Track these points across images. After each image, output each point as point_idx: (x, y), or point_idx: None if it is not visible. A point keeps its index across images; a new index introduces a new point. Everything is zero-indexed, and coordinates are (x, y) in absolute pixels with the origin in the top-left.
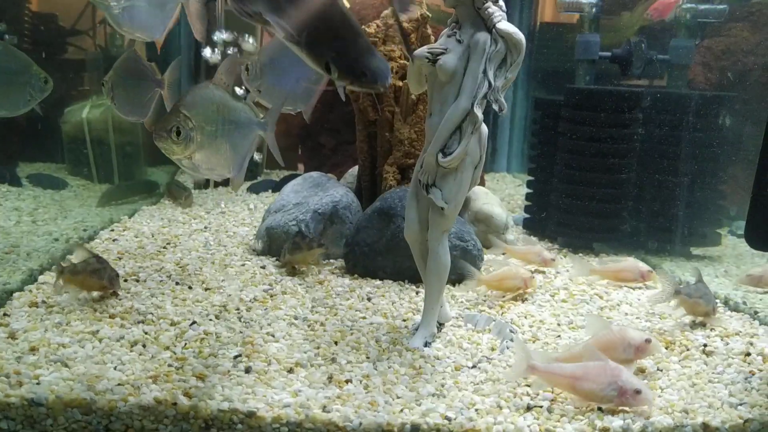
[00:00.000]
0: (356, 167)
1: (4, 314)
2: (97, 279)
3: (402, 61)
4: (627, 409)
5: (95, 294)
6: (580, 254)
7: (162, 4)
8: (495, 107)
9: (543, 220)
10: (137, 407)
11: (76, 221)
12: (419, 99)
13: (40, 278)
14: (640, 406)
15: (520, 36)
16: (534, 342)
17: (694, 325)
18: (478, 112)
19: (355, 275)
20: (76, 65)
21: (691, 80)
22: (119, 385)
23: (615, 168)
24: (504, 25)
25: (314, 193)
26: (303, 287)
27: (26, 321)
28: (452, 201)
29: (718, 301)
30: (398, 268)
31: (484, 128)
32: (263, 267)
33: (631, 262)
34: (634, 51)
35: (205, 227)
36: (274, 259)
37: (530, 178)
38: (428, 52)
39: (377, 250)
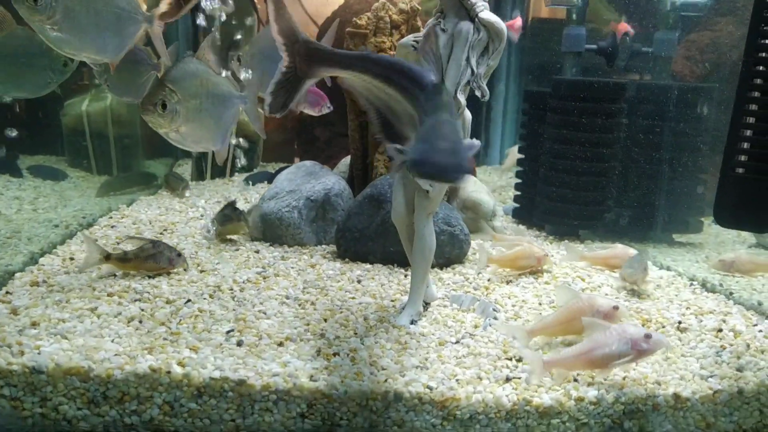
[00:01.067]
0: (349, 157)
1: (7, 293)
2: (153, 263)
3: (393, 52)
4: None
5: (93, 274)
6: (566, 240)
7: (117, 29)
8: (477, 93)
9: (531, 208)
10: (133, 375)
11: (75, 210)
12: None
13: (41, 260)
14: (658, 348)
15: (502, 25)
16: (516, 319)
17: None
18: (461, 98)
19: (346, 259)
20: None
21: (676, 73)
22: (116, 355)
23: (600, 157)
24: (486, 14)
25: (307, 180)
26: (295, 270)
27: (27, 299)
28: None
29: (695, 282)
30: (388, 253)
31: (467, 113)
32: (257, 251)
33: (620, 249)
34: (620, 43)
35: (201, 215)
36: (269, 244)
37: (519, 168)
38: (413, 41)
39: (367, 235)
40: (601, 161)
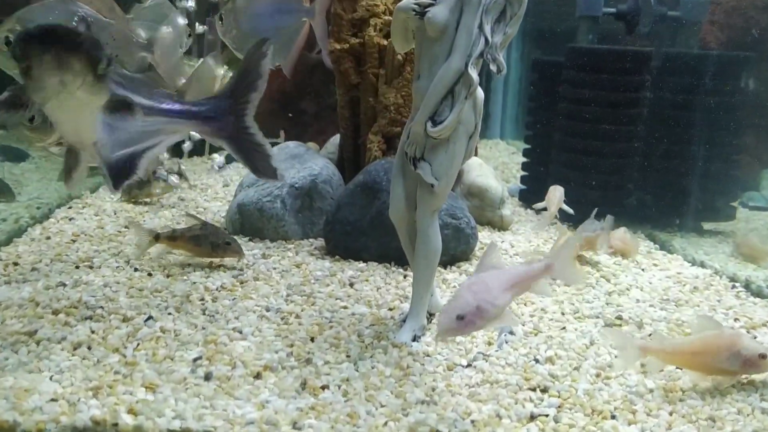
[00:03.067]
0: (337, 136)
1: None
2: (194, 245)
3: (387, 17)
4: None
5: (40, 284)
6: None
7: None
8: (493, 68)
9: (540, 191)
10: (70, 429)
11: (30, 198)
12: (407, 59)
13: None
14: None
15: None
16: (536, 335)
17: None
18: (473, 74)
19: (336, 257)
20: None
21: (702, 41)
22: (52, 400)
23: (620, 136)
24: None
25: (291, 165)
26: (278, 272)
27: None
28: (443, 177)
29: (738, 283)
30: (384, 249)
31: (480, 92)
32: None
33: (621, 232)
34: (642, 7)
35: (173, 203)
36: (248, 238)
37: (527, 146)
38: (415, 4)
39: (360, 229)
40: (622, 141)
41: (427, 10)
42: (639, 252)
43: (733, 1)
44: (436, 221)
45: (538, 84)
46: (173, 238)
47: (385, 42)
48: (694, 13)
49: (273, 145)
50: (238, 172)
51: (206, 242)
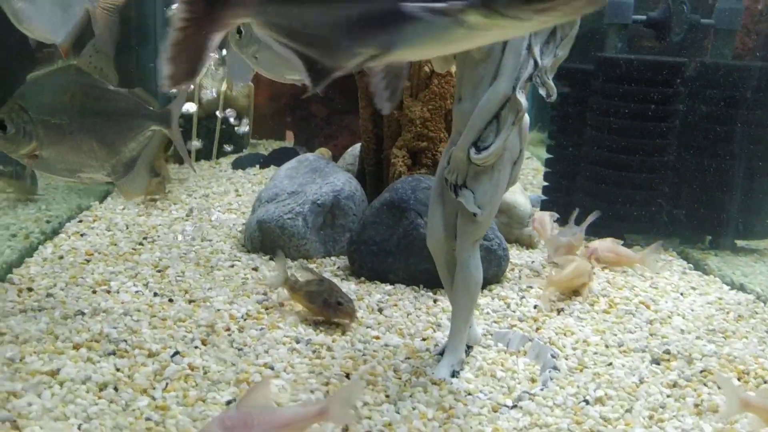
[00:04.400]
0: (356, 146)
1: None
2: (308, 302)
3: None
4: None
5: (57, 313)
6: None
7: (65, 6)
8: (542, 92)
9: (564, 203)
10: None
11: (38, 210)
12: (433, 72)
13: None
14: None
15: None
16: (581, 370)
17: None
18: (522, 98)
19: (362, 278)
20: None
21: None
22: None
23: (651, 149)
24: None
25: (311, 179)
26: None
27: None
28: (487, 205)
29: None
30: (412, 271)
31: (527, 119)
32: (255, 269)
33: (575, 266)
34: (674, 14)
35: (187, 215)
36: (268, 257)
37: (549, 156)
38: None
39: (387, 250)
40: (653, 154)
41: None
42: (591, 277)
43: (762, 4)
44: (478, 252)
45: (564, 93)
46: (294, 288)
47: None
48: (728, 21)
49: (284, 150)
50: (249, 179)
51: (319, 299)
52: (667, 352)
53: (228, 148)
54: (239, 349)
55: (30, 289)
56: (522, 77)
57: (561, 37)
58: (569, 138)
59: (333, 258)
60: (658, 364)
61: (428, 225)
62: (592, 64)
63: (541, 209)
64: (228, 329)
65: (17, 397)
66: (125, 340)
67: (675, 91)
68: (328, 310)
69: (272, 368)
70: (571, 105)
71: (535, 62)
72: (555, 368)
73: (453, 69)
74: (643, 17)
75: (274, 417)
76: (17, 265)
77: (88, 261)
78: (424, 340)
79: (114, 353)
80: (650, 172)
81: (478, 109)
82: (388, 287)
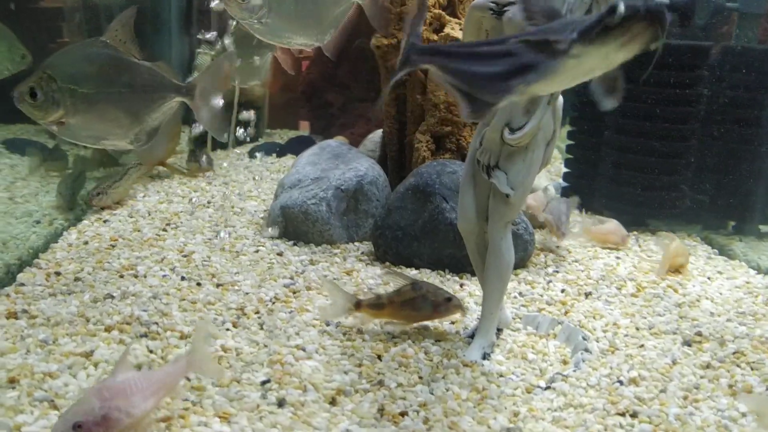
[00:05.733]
0: (377, 132)
1: None
2: (411, 310)
3: (437, 11)
4: None
5: (86, 297)
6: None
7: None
8: None
9: (586, 189)
10: None
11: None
12: None
13: (20, 276)
14: None
15: None
16: (613, 352)
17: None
18: None
19: (387, 263)
20: (54, 14)
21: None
22: None
23: (675, 134)
24: None
25: (334, 165)
26: (329, 279)
27: (3, 339)
28: (520, 186)
29: None
30: (437, 256)
31: (561, 99)
32: (280, 254)
33: (614, 225)
34: None
35: (209, 201)
36: (292, 243)
37: (570, 142)
38: (492, 2)
39: (412, 235)
40: (676, 139)
41: (505, 9)
42: (689, 258)
43: None
44: (509, 233)
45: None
46: (379, 305)
47: (436, 37)
48: (753, 4)
49: (300, 138)
50: (267, 167)
51: (425, 303)
52: (699, 334)
53: (246, 133)
54: (270, 331)
55: (58, 273)
56: None
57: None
58: (590, 124)
59: (356, 244)
60: (690, 345)
61: (459, 207)
62: None
63: (562, 196)
64: (257, 312)
65: (53, 377)
66: (156, 323)
67: (699, 76)
68: (438, 311)
69: (304, 350)
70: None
71: None
72: (587, 350)
73: None
74: (666, 0)
75: (149, 381)
76: (43, 250)
77: (113, 246)
78: (452, 323)
79: (146, 335)
80: (673, 157)
81: None
82: (414, 272)
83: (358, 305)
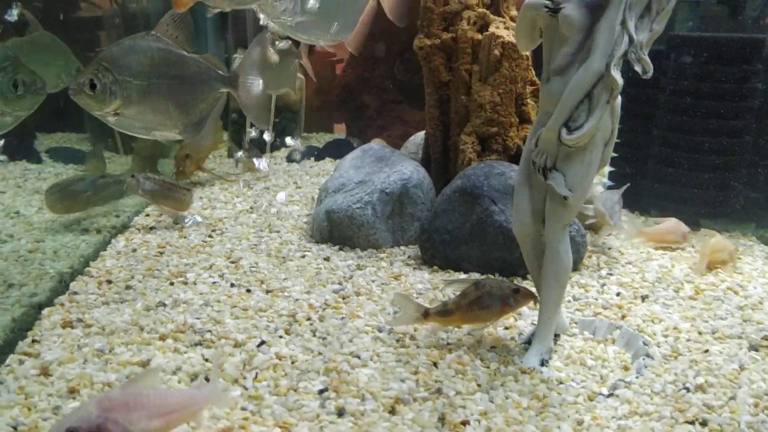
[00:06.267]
0: (418, 134)
1: (33, 340)
2: (480, 310)
3: (481, 10)
4: None
5: (138, 305)
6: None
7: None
8: (638, 68)
9: (632, 189)
10: None
11: (105, 206)
12: (503, 55)
13: (73, 285)
14: None
15: None
16: (676, 358)
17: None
18: (617, 76)
19: (434, 267)
20: (92, 24)
21: None
22: None
23: (728, 130)
24: None
25: (378, 168)
26: (377, 285)
27: (60, 349)
28: (578, 188)
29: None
30: (486, 259)
31: (619, 99)
32: (327, 259)
33: (673, 223)
34: None
35: (251, 207)
36: (338, 247)
37: (616, 140)
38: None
39: (460, 238)
40: (729, 136)
41: (560, 6)
42: (734, 254)
43: None
44: (567, 236)
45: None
46: (447, 312)
47: (480, 36)
48: None
49: (337, 142)
50: (306, 171)
51: (494, 300)
52: (766, 338)
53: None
54: (323, 338)
55: (109, 282)
56: (616, 54)
57: (657, 10)
58: (638, 121)
59: (402, 247)
60: (757, 350)
61: (514, 210)
62: (663, 43)
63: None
64: (309, 319)
65: (111, 386)
66: (210, 331)
67: (753, 70)
68: (508, 304)
69: (359, 357)
70: (640, 86)
71: (630, 38)
72: (648, 356)
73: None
74: None
75: (161, 401)
76: (93, 258)
77: (161, 253)
78: (506, 328)
79: (200, 344)
80: (726, 154)
81: (569, 87)
82: (462, 276)
83: (426, 315)
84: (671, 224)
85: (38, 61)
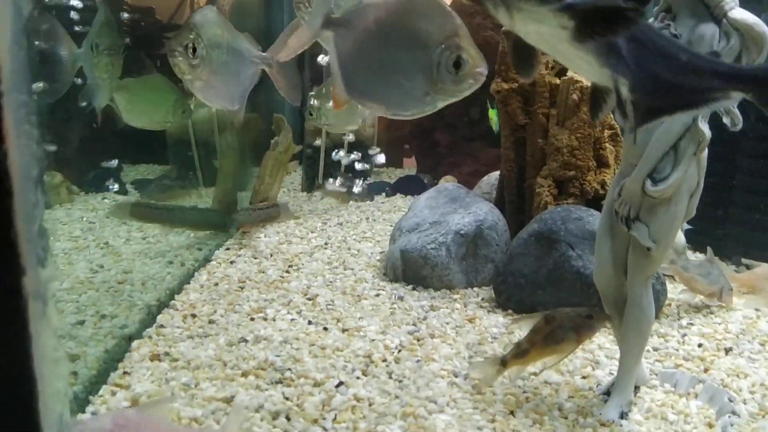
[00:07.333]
0: (492, 174)
1: (124, 372)
2: (554, 344)
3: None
4: None
5: (221, 340)
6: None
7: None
8: (726, 121)
9: (712, 233)
10: None
11: (189, 238)
12: (581, 99)
13: (159, 317)
14: None
15: (763, 28)
16: (764, 417)
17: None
18: (704, 128)
19: (509, 310)
20: None
21: None
22: None
23: None
24: (739, 13)
25: (453, 209)
26: (452, 327)
27: (149, 382)
28: (662, 240)
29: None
30: (563, 305)
31: (705, 152)
32: (401, 298)
33: (766, 268)
34: None
35: (326, 243)
36: (411, 287)
37: None
38: None
39: (536, 283)
40: None
41: None
42: None
43: None
44: (650, 288)
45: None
46: (523, 353)
47: (557, 81)
48: None
49: (409, 178)
50: (378, 207)
51: (567, 332)
52: None
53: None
54: (399, 381)
55: (194, 315)
56: None
57: (747, 62)
58: (719, 164)
59: (475, 289)
60: None
61: (596, 261)
62: None
63: (687, 241)
64: (385, 360)
65: (198, 422)
66: (290, 369)
67: None
68: (583, 332)
69: (435, 402)
70: (721, 129)
71: None
72: (734, 413)
73: None
74: None
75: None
76: (178, 291)
77: (241, 288)
78: (584, 378)
79: (281, 382)
80: None
81: (654, 139)
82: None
83: (504, 363)
84: (764, 270)
85: (150, 100)
